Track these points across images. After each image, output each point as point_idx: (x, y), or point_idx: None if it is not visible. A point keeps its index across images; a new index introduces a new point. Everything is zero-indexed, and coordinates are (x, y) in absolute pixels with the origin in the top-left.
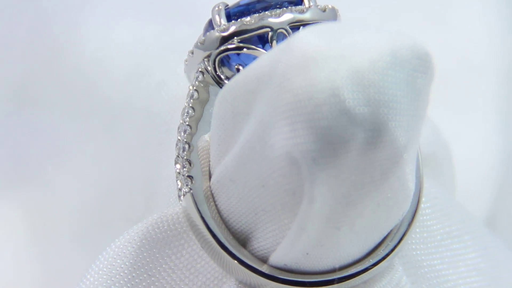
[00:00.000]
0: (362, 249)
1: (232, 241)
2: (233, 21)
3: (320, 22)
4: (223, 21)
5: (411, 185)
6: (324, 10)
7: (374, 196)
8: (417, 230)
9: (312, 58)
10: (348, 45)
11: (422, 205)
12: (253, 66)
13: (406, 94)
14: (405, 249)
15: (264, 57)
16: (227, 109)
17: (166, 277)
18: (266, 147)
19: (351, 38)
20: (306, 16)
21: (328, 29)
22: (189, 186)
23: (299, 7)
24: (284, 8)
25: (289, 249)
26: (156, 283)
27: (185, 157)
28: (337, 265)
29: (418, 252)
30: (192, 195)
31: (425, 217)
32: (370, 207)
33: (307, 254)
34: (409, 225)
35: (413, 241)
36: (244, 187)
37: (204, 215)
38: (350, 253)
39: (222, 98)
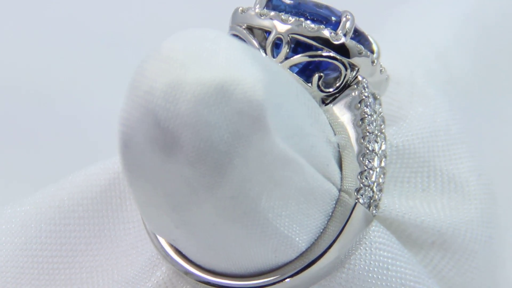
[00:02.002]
0: (233, 267)
1: None
2: (265, 10)
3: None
4: (258, 6)
5: (284, 229)
6: (338, 40)
7: (201, 211)
8: None
9: (160, 55)
10: (195, 57)
11: (339, 262)
12: None
13: (224, 131)
14: None
15: None
16: None
17: (123, 225)
18: None
19: (207, 53)
20: (309, 33)
21: (203, 36)
22: None
23: (313, 25)
24: (298, 19)
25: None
26: (115, 226)
27: None
28: (216, 269)
29: None
30: None
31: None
32: (202, 220)
33: (173, 240)
34: (300, 271)
35: None
36: None
37: None
38: (216, 263)
39: None
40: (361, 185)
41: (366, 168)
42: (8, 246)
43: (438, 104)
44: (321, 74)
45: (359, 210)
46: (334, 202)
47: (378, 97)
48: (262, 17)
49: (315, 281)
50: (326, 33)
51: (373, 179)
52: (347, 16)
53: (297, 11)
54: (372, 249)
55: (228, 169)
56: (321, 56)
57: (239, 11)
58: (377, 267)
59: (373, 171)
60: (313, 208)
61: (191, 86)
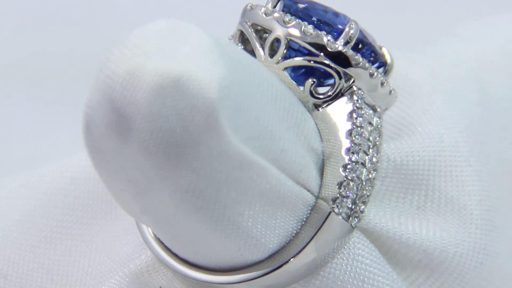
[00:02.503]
0: (202, 260)
1: None
2: (271, 9)
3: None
4: (270, 5)
5: (246, 228)
6: (334, 48)
7: (159, 200)
8: None
9: (127, 41)
10: (158, 48)
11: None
12: None
13: (176, 124)
14: None
15: None
16: None
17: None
18: None
19: (171, 45)
20: (307, 37)
21: (174, 28)
22: None
23: (312, 30)
24: (299, 22)
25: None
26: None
27: None
28: (188, 260)
29: None
30: None
31: None
32: (163, 209)
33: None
34: (269, 272)
35: None
36: None
37: None
38: (186, 254)
39: None
40: (338, 195)
41: (346, 178)
42: (17, 211)
43: (451, 124)
44: (314, 79)
45: (334, 219)
46: (309, 208)
47: (379, 109)
48: (266, 17)
49: (285, 284)
50: (324, 39)
51: (355, 190)
52: (351, 25)
53: (306, 14)
54: (349, 259)
55: (180, 163)
56: (316, 62)
57: (248, 7)
58: (352, 278)
59: (355, 182)
60: (282, 211)
61: (149, 76)
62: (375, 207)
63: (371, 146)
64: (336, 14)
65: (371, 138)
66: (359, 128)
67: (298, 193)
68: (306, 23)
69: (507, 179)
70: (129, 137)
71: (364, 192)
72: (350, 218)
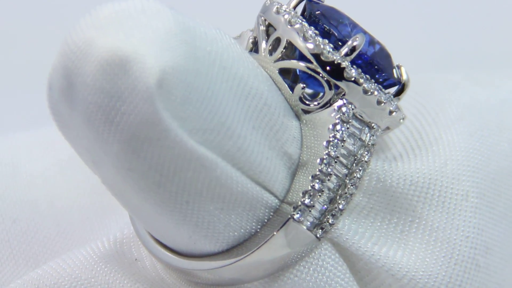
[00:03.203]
0: (162, 239)
1: None
2: (283, 8)
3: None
4: (292, 4)
5: (193, 217)
6: (328, 60)
7: (109, 174)
8: None
9: (96, 12)
10: (117, 24)
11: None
12: None
13: (116, 101)
14: None
15: None
16: None
17: None
18: None
19: (130, 24)
20: (306, 44)
21: (145, 8)
22: None
23: (315, 38)
24: (303, 25)
25: None
26: None
27: None
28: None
29: None
30: None
31: None
32: (114, 183)
33: None
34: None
35: None
36: None
37: None
38: (150, 231)
39: None
40: (300, 202)
41: (311, 188)
42: (52, 157)
43: (460, 156)
44: (305, 85)
45: (293, 226)
46: (272, 210)
47: (375, 127)
48: (275, 15)
49: (238, 281)
50: (321, 47)
51: (327, 201)
52: (355, 38)
53: (319, 20)
54: (311, 269)
55: (118, 140)
56: (310, 68)
57: (267, 2)
58: (311, 287)
59: (324, 193)
60: (237, 208)
61: (99, 50)
62: (356, 223)
63: (355, 162)
64: (351, 26)
65: (358, 154)
66: (339, 142)
67: (257, 193)
68: (313, 28)
69: None
70: (75, 106)
71: (336, 205)
72: (315, 229)
